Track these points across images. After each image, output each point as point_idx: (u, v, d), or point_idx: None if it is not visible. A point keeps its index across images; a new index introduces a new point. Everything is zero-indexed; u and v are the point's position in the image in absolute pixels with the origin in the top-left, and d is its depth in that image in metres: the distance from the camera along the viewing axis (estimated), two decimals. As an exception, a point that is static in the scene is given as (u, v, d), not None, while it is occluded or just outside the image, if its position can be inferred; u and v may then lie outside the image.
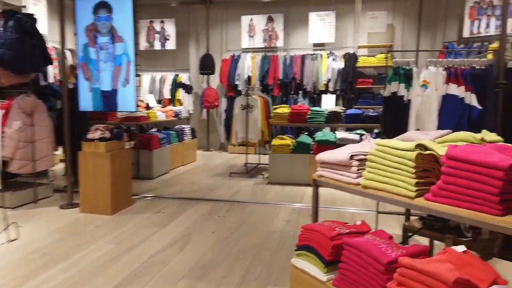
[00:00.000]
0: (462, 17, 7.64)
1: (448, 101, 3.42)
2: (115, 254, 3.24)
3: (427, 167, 1.73)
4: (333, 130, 7.13)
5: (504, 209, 1.39)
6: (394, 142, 1.84)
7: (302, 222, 3.87)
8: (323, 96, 7.32)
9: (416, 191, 1.68)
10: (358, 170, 1.94)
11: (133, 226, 3.97)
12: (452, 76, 3.44)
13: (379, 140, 1.85)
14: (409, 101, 3.57)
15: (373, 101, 8.30)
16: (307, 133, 6.94)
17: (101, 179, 4.25)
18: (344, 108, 6.24)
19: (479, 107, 3.36)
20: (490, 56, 5.05)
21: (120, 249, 3.34)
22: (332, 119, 5.91)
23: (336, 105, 8.33)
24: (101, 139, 4.30)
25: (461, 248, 1.50)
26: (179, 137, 7.31)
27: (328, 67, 8.43)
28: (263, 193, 5.40)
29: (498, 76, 3.47)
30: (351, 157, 1.94)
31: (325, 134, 6.04)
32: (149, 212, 4.45)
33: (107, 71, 4.46)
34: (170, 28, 9.27)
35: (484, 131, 2.16)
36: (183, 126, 7.67)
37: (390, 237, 1.84)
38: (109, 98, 4.49)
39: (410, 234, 2.60)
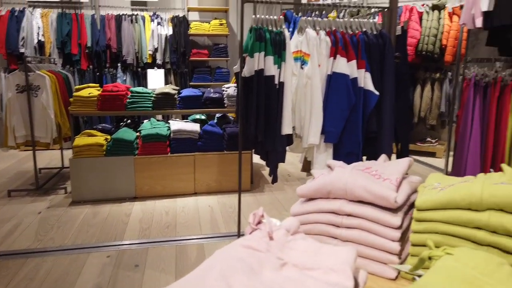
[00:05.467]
0: (300, -18, 6.91)
1: (336, 83, 2.25)
2: None
3: None
4: (168, 118, 5.54)
5: None
6: None
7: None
8: (149, 72, 5.56)
9: None
10: None
11: None
12: (340, 45, 2.26)
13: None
14: (281, 84, 2.26)
15: (211, 77, 7.00)
16: (129, 121, 5.11)
17: None
18: (178, 88, 4.68)
19: (376, 92, 2.30)
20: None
21: None
22: (163, 103, 4.29)
23: (167, 82, 6.70)
24: None
25: None
26: None
27: (154, 33, 6.63)
28: (61, 225, 3.45)
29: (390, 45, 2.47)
30: None
31: (154, 125, 4.38)
32: None
33: None
34: None
35: (509, 169, 0.95)
36: None
37: None
38: None
39: None
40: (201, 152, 4.21)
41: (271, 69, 2.18)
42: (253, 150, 3.62)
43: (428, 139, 6.09)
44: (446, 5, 5.55)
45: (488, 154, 2.30)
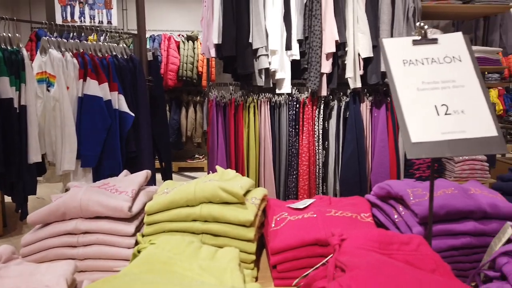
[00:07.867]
0: (51, -1, 6.39)
1: (88, 106, 2.19)
2: None
3: None
4: None
5: None
6: None
7: None
8: None
9: None
10: None
11: None
12: (90, 67, 2.23)
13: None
14: (23, 107, 2.02)
15: None
16: None
17: None
18: None
19: (132, 113, 2.37)
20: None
21: None
22: None
23: None
24: None
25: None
26: None
27: None
28: None
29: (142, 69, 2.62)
30: None
31: None
32: None
33: None
34: None
35: (221, 169, 1.17)
36: None
37: None
38: None
39: None
40: None
41: (7, 91, 1.93)
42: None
43: (196, 155, 6.67)
44: (198, 37, 6.28)
45: (232, 160, 2.73)
